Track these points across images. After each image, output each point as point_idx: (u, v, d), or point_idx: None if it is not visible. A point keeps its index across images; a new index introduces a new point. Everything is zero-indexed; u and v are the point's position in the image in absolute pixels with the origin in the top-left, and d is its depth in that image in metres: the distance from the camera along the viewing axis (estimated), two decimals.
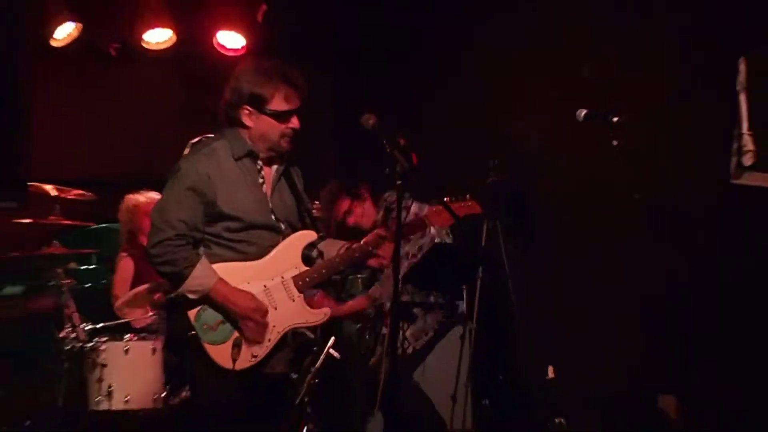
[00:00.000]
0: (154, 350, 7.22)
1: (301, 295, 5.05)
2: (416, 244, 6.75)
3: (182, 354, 5.28)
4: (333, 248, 5.23)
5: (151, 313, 7.58)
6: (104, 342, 7.18)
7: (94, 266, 8.32)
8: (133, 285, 7.88)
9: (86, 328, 7.36)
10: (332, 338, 7.36)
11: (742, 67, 6.52)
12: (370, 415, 7.61)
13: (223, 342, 4.86)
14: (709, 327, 7.16)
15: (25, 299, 8.89)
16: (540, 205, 8.08)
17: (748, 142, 6.49)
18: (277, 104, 4.92)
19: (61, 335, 7.43)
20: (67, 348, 7.34)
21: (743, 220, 6.66)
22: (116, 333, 7.38)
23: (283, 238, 5.08)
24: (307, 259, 5.09)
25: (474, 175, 7.24)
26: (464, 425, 8.60)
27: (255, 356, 4.91)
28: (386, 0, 9.09)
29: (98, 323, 7.47)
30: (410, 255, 6.68)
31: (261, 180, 5.07)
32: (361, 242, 5.14)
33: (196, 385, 5.29)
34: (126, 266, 7.97)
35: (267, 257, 5.00)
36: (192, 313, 4.89)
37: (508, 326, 8.66)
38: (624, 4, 7.50)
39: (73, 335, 7.31)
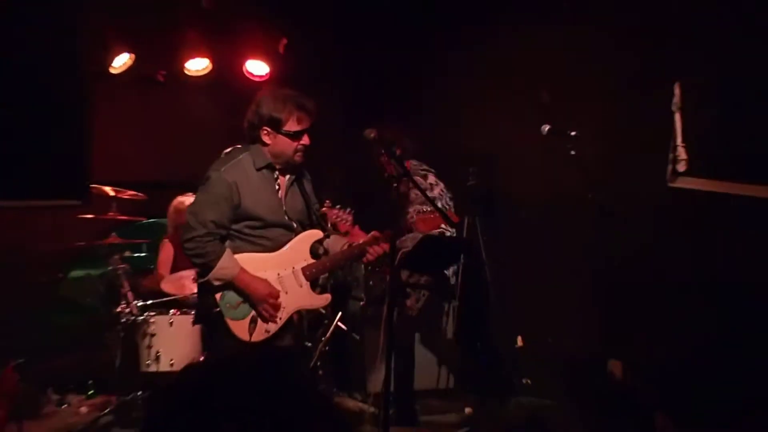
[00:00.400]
0: (193, 323, 7.24)
1: (308, 282, 5.09)
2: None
3: (209, 327, 5.31)
4: (336, 244, 5.25)
5: (189, 293, 7.60)
6: (153, 316, 7.23)
7: (144, 254, 8.31)
8: (172, 266, 7.93)
9: (138, 305, 7.39)
10: (339, 313, 7.38)
11: (677, 90, 6.52)
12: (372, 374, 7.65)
13: (243, 318, 4.93)
14: (651, 302, 7.18)
15: (89, 281, 8.91)
16: (509, 203, 8.09)
17: (681, 153, 6.48)
18: (291, 126, 4.99)
19: (117, 310, 7.48)
20: (122, 321, 7.40)
21: (677, 215, 6.67)
22: (162, 308, 7.41)
23: (295, 235, 5.14)
24: (314, 252, 5.11)
25: (456, 180, 7.25)
26: (448, 384, 8.61)
27: (268, 331, 4.99)
28: (384, 35, 9.05)
29: (147, 300, 7.51)
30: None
31: (277, 187, 5.11)
32: (360, 242, 5.15)
33: (218, 353, 5.33)
34: (167, 250, 8.02)
35: (281, 250, 5.06)
36: (217, 295, 4.97)
37: (484, 302, 8.66)
38: (578, 41, 7.49)
39: (128, 310, 7.35)
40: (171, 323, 7.20)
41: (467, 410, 7.86)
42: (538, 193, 7.05)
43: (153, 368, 7.11)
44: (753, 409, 6.04)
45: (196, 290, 7.51)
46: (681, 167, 6.50)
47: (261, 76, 9.06)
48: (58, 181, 4.92)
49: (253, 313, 4.96)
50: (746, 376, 6.31)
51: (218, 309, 4.97)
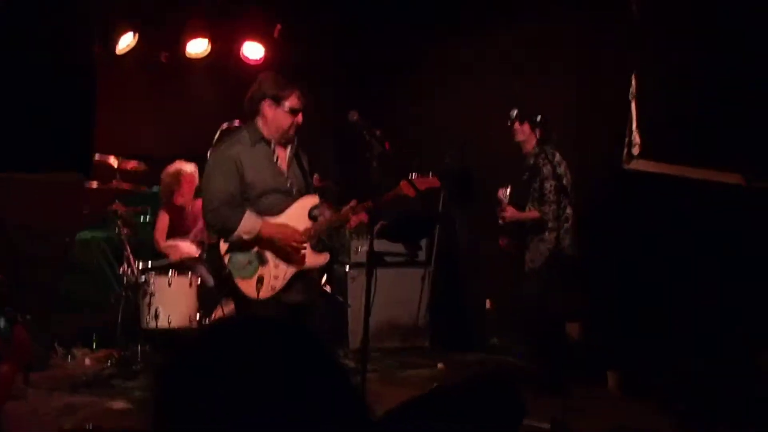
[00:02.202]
0: (190, 284, 7.30)
1: (308, 243, 5.16)
2: None
3: (223, 286, 5.42)
4: (327, 210, 5.35)
5: (186, 256, 7.67)
6: (153, 277, 7.26)
7: (146, 218, 8.35)
8: (168, 232, 8.00)
9: (140, 267, 7.45)
10: (325, 276, 7.44)
11: (633, 81, 6.60)
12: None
13: (250, 278, 4.97)
14: (603, 270, 7.29)
15: (95, 244, 8.95)
16: (479, 180, 8.18)
17: (636, 137, 6.57)
18: (291, 102, 5.06)
19: (120, 271, 7.54)
20: (124, 281, 7.47)
21: (632, 193, 6.77)
22: (161, 270, 7.48)
23: (295, 200, 5.18)
24: (312, 216, 5.19)
25: (433, 160, 7.32)
26: (422, 343, 8.72)
27: (274, 288, 5.01)
28: (372, 25, 9.10)
29: (148, 263, 7.58)
30: None
31: (276, 158, 5.15)
32: (347, 207, 5.21)
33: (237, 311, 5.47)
34: (163, 219, 8.00)
35: (283, 214, 5.09)
36: (226, 257, 5.02)
37: (456, 269, 8.78)
38: (547, 37, 7.57)
39: (130, 271, 7.39)
40: (169, 283, 7.24)
41: (440, 366, 7.96)
42: (507, 171, 7.12)
43: (152, 325, 7.15)
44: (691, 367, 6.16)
45: (192, 253, 7.65)
46: (635, 151, 6.59)
47: (256, 59, 9.07)
48: (64, 155, 4.98)
49: (260, 272, 4.98)
50: (688, 338, 6.43)
51: (227, 270, 5.05)
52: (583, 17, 7.26)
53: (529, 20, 7.59)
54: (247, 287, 4.99)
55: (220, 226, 4.99)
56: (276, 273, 5.05)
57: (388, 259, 8.11)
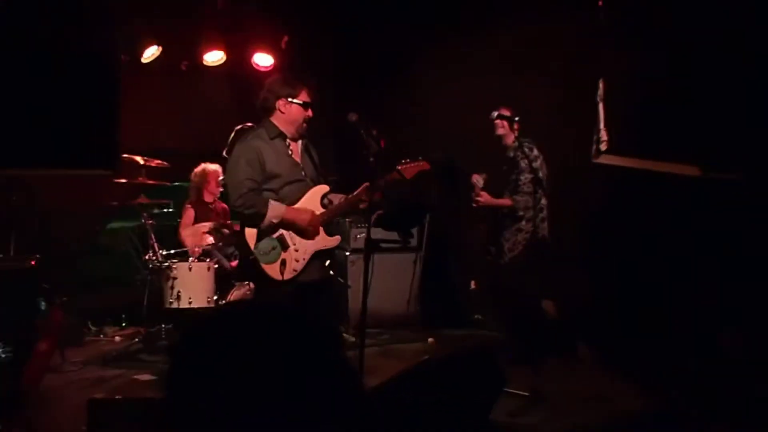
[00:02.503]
0: (209, 268, 7.28)
1: (321, 227, 5.16)
2: None
3: (248, 270, 5.41)
4: (337, 197, 5.34)
5: (204, 245, 7.65)
6: (175, 262, 7.24)
7: (169, 210, 8.32)
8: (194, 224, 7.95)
9: (163, 253, 7.43)
10: (328, 261, 7.42)
11: (601, 84, 6.58)
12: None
13: (274, 262, 5.01)
14: (577, 252, 7.28)
15: (123, 232, 8.94)
16: (465, 172, 8.14)
17: (603, 135, 6.55)
18: (303, 97, 5.15)
19: (145, 257, 7.53)
20: (149, 266, 7.45)
21: (599, 184, 6.76)
22: (183, 256, 7.46)
23: (309, 189, 5.21)
24: (323, 203, 5.21)
25: (423, 154, 7.27)
26: (414, 320, 8.69)
27: (295, 270, 5.05)
28: (368, 38, 9.07)
29: (170, 250, 7.56)
30: None
31: (290, 152, 5.19)
32: (356, 192, 5.19)
33: (259, 291, 5.46)
34: (189, 214, 8.01)
35: (300, 202, 5.15)
36: (252, 243, 5.04)
37: (445, 253, 8.76)
38: (526, 43, 7.54)
39: (154, 257, 7.38)
40: (190, 268, 7.22)
41: (430, 340, 7.93)
42: (489, 164, 7.08)
43: (175, 305, 7.12)
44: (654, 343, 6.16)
45: (211, 242, 7.63)
46: (603, 146, 6.57)
47: (266, 67, 9.05)
48: (94, 153, 4.95)
49: (283, 256, 5.01)
50: (651, 315, 6.43)
51: (253, 256, 5.04)
52: (557, 25, 7.23)
53: (511, 26, 7.56)
54: (272, 270, 5.02)
55: (252, 211, 5.00)
56: (296, 256, 5.09)
57: (383, 245, 8.08)
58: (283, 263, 5.00)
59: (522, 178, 6.36)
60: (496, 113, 6.34)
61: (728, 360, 5.64)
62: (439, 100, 8.36)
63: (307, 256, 5.11)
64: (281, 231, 5.08)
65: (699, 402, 5.24)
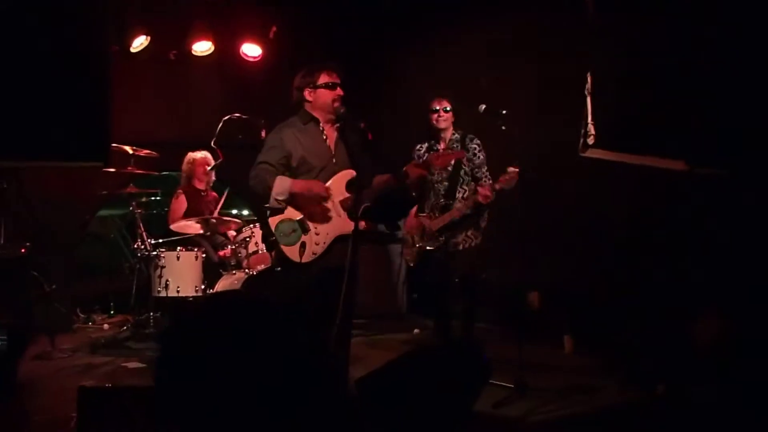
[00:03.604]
0: (196, 257, 7.34)
1: (345, 213, 5.14)
2: None
3: (270, 249, 5.43)
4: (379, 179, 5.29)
5: (193, 233, 7.69)
6: (163, 251, 7.28)
7: (157, 199, 8.36)
8: (185, 214, 7.98)
9: (152, 242, 7.46)
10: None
11: (589, 78, 6.59)
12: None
13: (294, 244, 4.99)
14: (563, 244, 7.34)
15: (112, 220, 8.98)
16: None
17: (591, 128, 6.55)
18: (323, 78, 5.13)
19: (134, 246, 7.57)
20: (138, 255, 7.50)
21: (587, 177, 6.80)
22: (171, 245, 7.49)
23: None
24: (349, 188, 5.18)
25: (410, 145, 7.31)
26: (400, 310, 8.75)
27: (315, 253, 5.02)
28: (356, 28, 9.08)
29: (159, 239, 7.59)
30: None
31: (324, 137, 5.18)
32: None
33: (283, 273, 5.47)
34: (180, 201, 8.06)
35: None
36: (273, 225, 5.05)
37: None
38: (513, 38, 7.58)
39: (143, 246, 7.41)
40: (178, 258, 7.27)
41: (415, 331, 8.00)
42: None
43: (163, 294, 7.19)
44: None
45: (200, 231, 7.66)
46: (591, 140, 6.58)
47: (254, 57, 9.07)
48: (85, 145, 4.99)
49: (303, 239, 5.00)
50: (637, 307, 6.49)
51: (274, 237, 5.06)
52: (542, 16, 7.28)
53: (500, 23, 7.59)
54: (291, 252, 5.02)
55: (261, 185, 4.99)
56: (317, 240, 5.06)
57: (369, 237, 8.13)
58: (303, 246, 4.99)
59: (484, 169, 6.38)
60: (483, 107, 6.35)
61: (705, 351, 5.72)
62: (428, 92, 8.39)
63: (328, 240, 5.08)
64: (303, 214, 5.07)
65: (683, 394, 5.32)
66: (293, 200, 5.05)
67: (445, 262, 6.20)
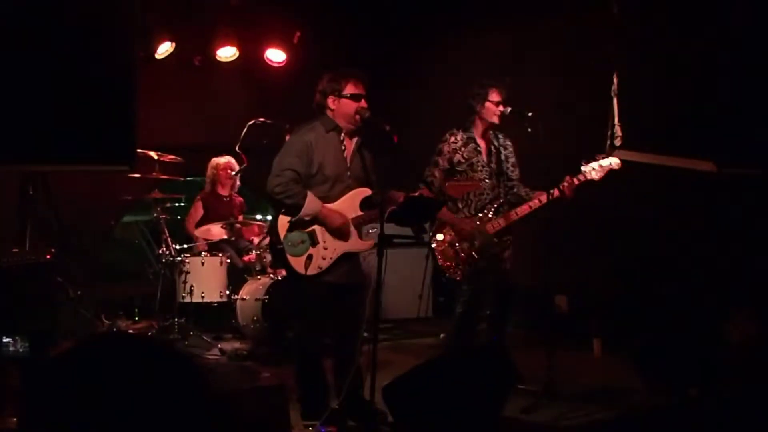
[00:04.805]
0: (221, 263, 7.33)
1: (356, 230, 5.10)
2: None
3: (275, 258, 5.34)
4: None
5: (217, 239, 7.67)
6: (188, 257, 7.28)
7: (181, 205, 8.35)
8: (204, 219, 8.01)
9: (176, 247, 7.46)
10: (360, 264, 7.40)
11: (615, 78, 6.53)
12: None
13: (300, 255, 4.92)
14: (590, 247, 7.25)
15: (137, 226, 8.99)
16: None
17: (618, 130, 6.50)
18: (349, 89, 5.05)
19: (159, 251, 7.56)
20: (163, 260, 7.49)
21: (613, 178, 6.70)
22: (195, 251, 7.48)
23: (351, 190, 5.13)
24: (362, 206, 5.12)
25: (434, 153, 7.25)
26: (426, 314, 8.69)
27: (320, 267, 4.95)
28: (382, 33, 9.06)
29: (183, 245, 7.58)
30: None
31: (343, 148, 5.12)
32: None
33: (288, 282, 5.41)
34: (197, 207, 8.10)
35: (338, 202, 5.05)
36: (282, 234, 4.99)
37: None
38: (538, 38, 7.50)
39: (167, 252, 7.41)
40: (203, 263, 7.26)
41: (442, 336, 7.91)
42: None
43: (187, 299, 7.18)
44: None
45: (223, 236, 7.64)
46: (617, 142, 6.51)
47: (279, 62, 9.04)
48: (111, 149, 5.00)
49: (310, 251, 4.94)
50: (667, 309, 6.41)
51: (281, 246, 4.99)
52: (570, 19, 7.20)
53: (524, 21, 7.52)
54: (297, 263, 4.95)
55: (291, 201, 4.91)
56: (324, 254, 4.99)
57: (396, 240, 8.05)
58: (309, 258, 4.92)
59: (517, 171, 6.24)
60: (508, 109, 6.25)
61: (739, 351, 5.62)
62: (457, 94, 8.33)
63: (335, 256, 5.01)
64: (314, 226, 5.00)
65: (716, 397, 5.22)
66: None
67: (502, 268, 5.97)
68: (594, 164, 5.73)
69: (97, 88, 4.95)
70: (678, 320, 6.20)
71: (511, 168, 6.08)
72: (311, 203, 4.91)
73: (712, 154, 6.09)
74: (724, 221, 6.22)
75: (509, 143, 6.12)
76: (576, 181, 5.71)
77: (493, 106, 5.91)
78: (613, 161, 5.72)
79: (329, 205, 5.01)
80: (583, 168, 5.74)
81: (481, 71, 7.95)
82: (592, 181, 5.73)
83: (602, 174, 5.72)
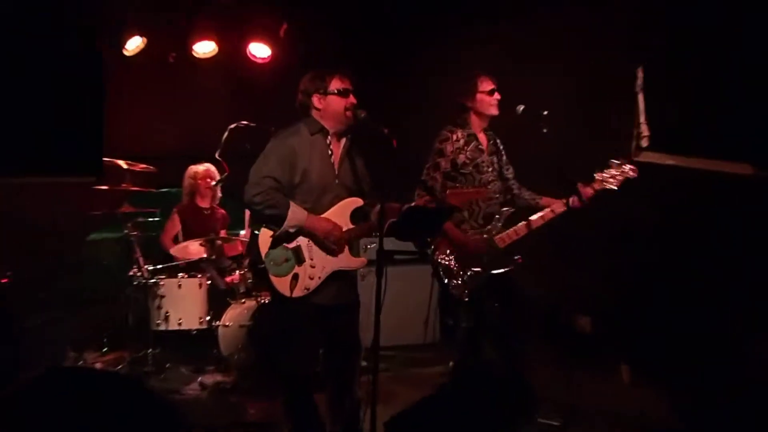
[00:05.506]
0: (200, 285, 7.33)
1: (347, 245, 5.10)
2: None
3: (258, 278, 5.35)
4: (374, 212, 5.20)
5: (195, 258, 7.68)
6: (163, 279, 7.29)
7: (155, 220, 8.35)
8: (182, 234, 8.08)
9: (149, 268, 7.46)
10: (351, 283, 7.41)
11: (640, 73, 6.55)
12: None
13: (285, 275, 4.91)
14: (614, 263, 7.26)
15: (106, 244, 8.98)
16: None
17: (644, 130, 6.53)
18: (335, 85, 5.10)
19: (130, 273, 7.55)
20: (134, 283, 7.48)
21: (639, 184, 6.72)
22: (172, 272, 7.48)
23: (340, 200, 5.13)
24: (353, 218, 5.13)
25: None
26: (433, 339, 8.67)
27: (307, 288, 4.95)
28: (375, 22, 9.08)
29: (158, 264, 7.58)
30: None
31: (330, 152, 5.13)
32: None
33: (272, 305, 5.41)
34: (174, 221, 8.16)
35: (325, 214, 5.05)
36: (264, 251, 4.97)
37: None
38: (552, 29, 7.53)
39: (139, 273, 7.40)
40: (179, 285, 7.27)
41: (451, 364, 7.91)
42: (514, 166, 7.08)
43: (163, 327, 7.20)
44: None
45: (203, 255, 7.65)
46: (644, 143, 6.54)
47: (263, 58, 9.04)
48: (75, 159, 5.00)
49: (296, 270, 4.94)
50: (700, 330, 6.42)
51: (263, 265, 4.97)
52: (585, 9, 7.22)
53: (536, 12, 7.54)
54: (281, 284, 4.94)
55: (271, 211, 4.91)
56: (311, 273, 5.00)
57: (397, 257, 8.07)
58: (295, 278, 4.92)
59: (511, 170, 6.26)
60: (521, 108, 6.27)
61: None
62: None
63: (324, 275, 5.01)
64: (299, 241, 5.00)
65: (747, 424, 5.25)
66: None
67: (513, 286, 5.93)
68: (609, 172, 5.73)
69: (56, 88, 4.95)
70: (716, 342, 6.22)
71: (507, 167, 6.12)
72: (295, 213, 4.92)
73: (749, 156, 6.12)
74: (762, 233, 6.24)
75: (499, 140, 6.14)
76: (590, 191, 5.71)
77: (487, 96, 5.93)
78: (630, 169, 5.72)
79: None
80: (598, 177, 5.75)
81: (489, 65, 8.02)
82: (610, 190, 5.72)
83: (620, 182, 5.72)
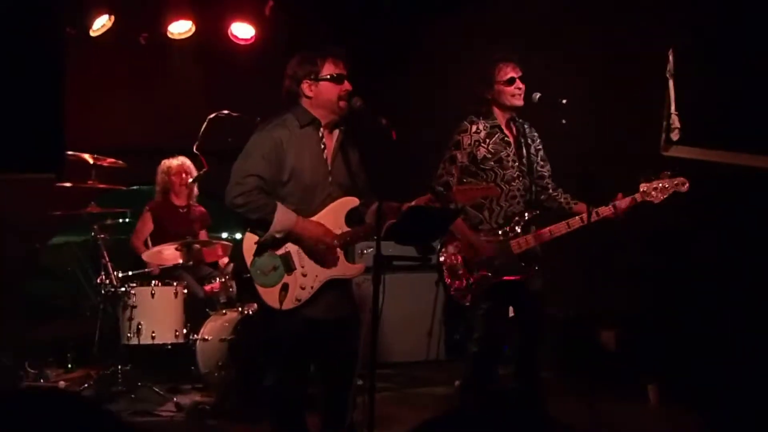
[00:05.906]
0: (176, 294, 7.28)
1: (341, 251, 4.98)
2: None
3: (243, 289, 5.29)
4: (371, 213, 5.05)
5: (170, 264, 7.60)
6: (134, 287, 7.23)
7: (126, 221, 8.28)
8: (155, 236, 8.04)
9: (119, 275, 7.39)
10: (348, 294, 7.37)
11: (671, 57, 6.46)
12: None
13: (273, 286, 4.79)
14: (642, 272, 7.19)
15: (68, 249, 8.91)
16: None
17: (675, 121, 6.43)
18: (329, 69, 4.97)
19: (97, 281, 7.51)
20: (102, 292, 7.42)
21: None
22: (144, 279, 7.40)
23: (333, 200, 5.03)
24: (349, 220, 5.03)
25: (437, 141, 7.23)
26: (438, 356, 8.63)
27: (299, 299, 4.84)
28: (375, 5, 9.05)
29: (128, 271, 7.49)
30: None
31: (323, 147, 5.03)
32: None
33: (261, 318, 5.39)
34: (146, 221, 8.11)
35: (317, 216, 4.95)
36: (249, 259, 4.84)
37: None
38: (570, 9, 7.47)
39: (108, 281, 7.35)
40: (153, 294, 7.20)
41: (457, 383, 7.85)
42: None
43: (134, 341, 7.12)
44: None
45: (178, 261, 7.57)
46: (675, 136, 6.44)
47: (246, 39, 9.06)
48: (32, 153, 4.91)
49: (285, 280, 4.82)
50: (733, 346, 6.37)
51: (249, 275, 4.85)
52: None
53: None
54: (269, 296, 4.82)
55: (258, 214, 4.79)
56: (303, 283, 4.89)
57: (397, 263, 7.99)
58: (285, 288, 4.81)
59: (548, 167, 6.15)
60: (537, 95, 6.16)
61: None
62: (455, 79, 8.29)
63: (317, 285, 4.90)
64: (288, 247, 4.89)
65: None
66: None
67: (527, 297, 5.78)
68: (656, 184, 5.58)
69: (11, 73, 4.86)
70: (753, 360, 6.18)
71: (542, 163, 5.97)
72: (283, 216, 4.80)
73: None
74: None
75: (536, 134, 6.01)
76: (632, 202, 5.56)
77: (509, 87, 5.77)
78: (680, 182, 5.56)
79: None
80: (642, 188, 5.59)
81: (501, 44, 7.95)
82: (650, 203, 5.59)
83: (665, 196, 5.57)
